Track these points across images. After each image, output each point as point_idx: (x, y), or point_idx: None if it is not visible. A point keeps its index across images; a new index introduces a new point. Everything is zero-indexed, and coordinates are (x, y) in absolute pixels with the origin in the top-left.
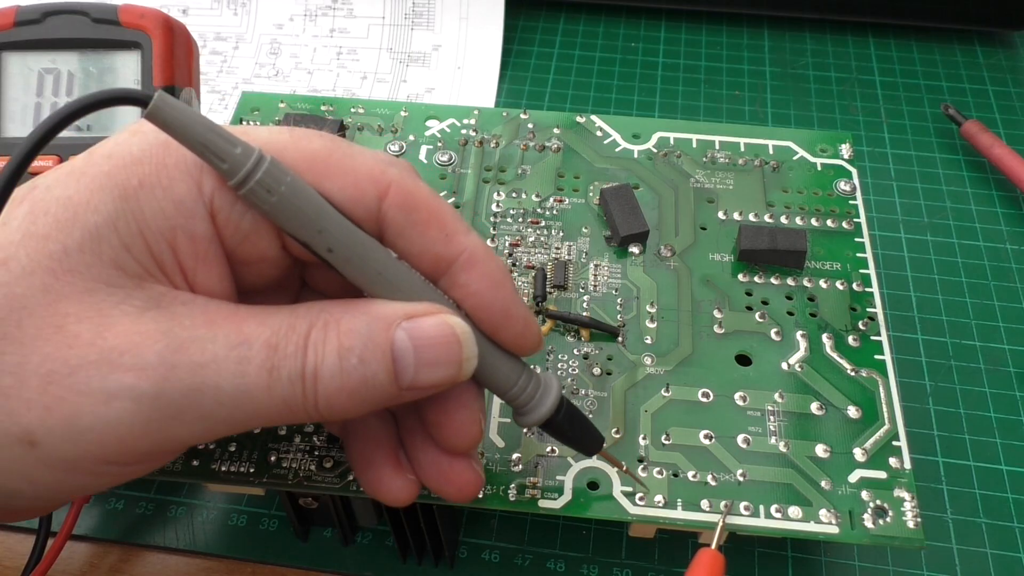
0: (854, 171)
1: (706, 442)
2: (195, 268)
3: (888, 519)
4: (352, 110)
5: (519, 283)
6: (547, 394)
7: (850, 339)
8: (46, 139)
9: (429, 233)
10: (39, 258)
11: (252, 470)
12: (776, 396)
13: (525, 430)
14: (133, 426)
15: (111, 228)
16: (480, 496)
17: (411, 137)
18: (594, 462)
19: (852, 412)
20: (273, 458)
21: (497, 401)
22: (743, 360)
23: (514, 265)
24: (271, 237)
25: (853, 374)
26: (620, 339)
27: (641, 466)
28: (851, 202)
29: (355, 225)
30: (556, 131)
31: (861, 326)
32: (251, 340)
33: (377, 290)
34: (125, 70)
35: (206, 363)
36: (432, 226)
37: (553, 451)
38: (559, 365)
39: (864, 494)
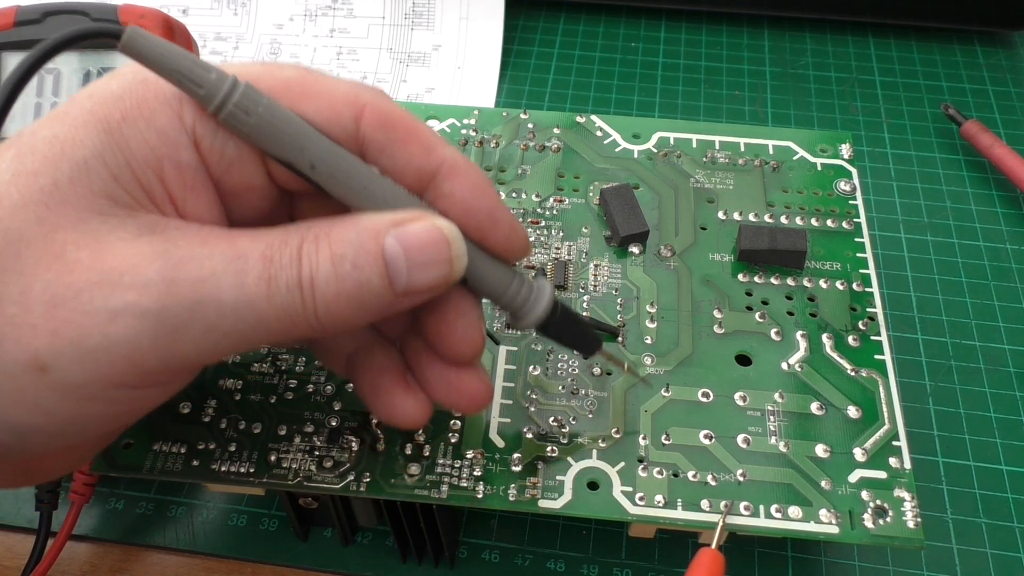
0: (854, 171)
1: (706, 442)
2: (184, 197)
3: (888, 519)
4: None
5: None
6: (541, 296)
7: (850, 339)
8: (30, 73)
9: (409, 148)
10: (30, 193)
11: (252, 470)
12: (776, 396)
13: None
14: (140, 343)
15: (99, 161)
16: (480, 496)
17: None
18: (594, 462)
19: (852, 412)
20: (273, 458)
21: (496, 403)
22: (743, 360)
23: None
24: (255, 164)
25: (853, 374)
26: (620, 339)
27: (641, 466)
28: (851, 202)
29: (335, 143)
30: (556, 131)
31: (861, 326)
32: (247, 254)
33: (364, 204)
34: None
35: (205, 277)
36: (411, 141)
37: (553, 451)
38: (559, 365)
39: (864, 494)
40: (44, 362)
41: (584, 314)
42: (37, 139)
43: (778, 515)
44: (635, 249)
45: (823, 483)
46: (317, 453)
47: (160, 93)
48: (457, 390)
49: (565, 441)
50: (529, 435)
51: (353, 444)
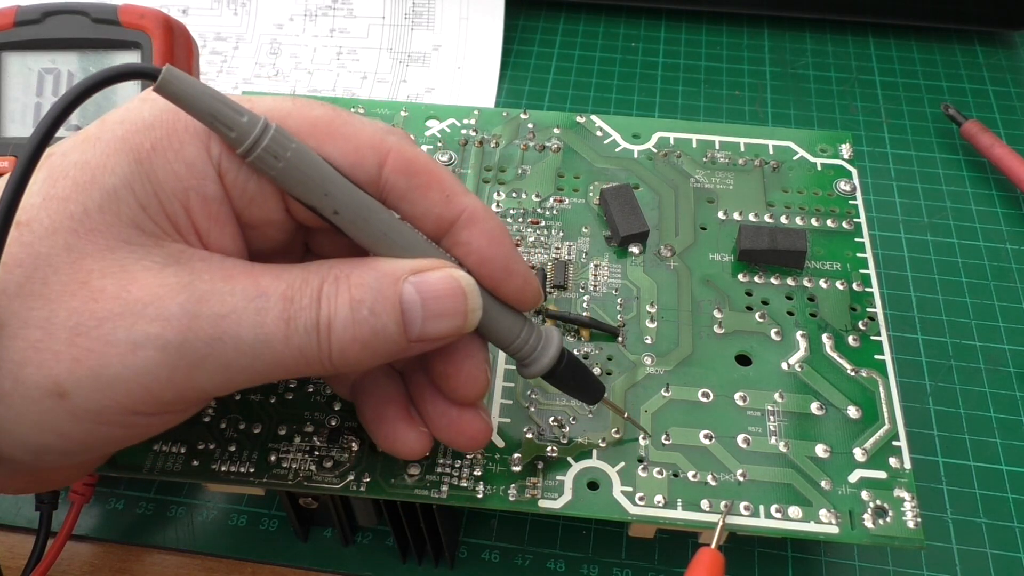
0: (854, 171)
1: (706, 442)
2: (208, 228)
3: (888, 519)
4: (352, 110)
5: None
6: (549, 345)
7: (850, 339)
8: (67, 112)
9: (430, 195)
10: (60, 219)
11: (252, 470)
12: (776, 396)
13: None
14: (159, 375)
15: (128, 190)
16: (480, 496)
17: (411, 137)
18: (594, 462)
19: (852, 412)
20: (273, 458)
21: (497, 403)
22: (743, 360)
23: None
24: (276, 200)
25: (853, 374)
26: (620, 339)
27: (641, 466)
28: (851, 202)
29: (359, 188)
30: (556, 131)
31: (861, 326)
32: (268, 292)
33: (383, 250)
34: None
35: (226, 314)
36: (432, 188)
37: (553, 451)
38: None
39: (864, 494)
40: (64, 389)
41: (584, 314)
42: (68, 163)
43: (778, 515)
44: (635, 249)
45: (823, 483)
46: (317, 453)
47: (189, 124)
48: (457, 429)
49: (565, 441)
50: (529, 435)
51: (353, 444)
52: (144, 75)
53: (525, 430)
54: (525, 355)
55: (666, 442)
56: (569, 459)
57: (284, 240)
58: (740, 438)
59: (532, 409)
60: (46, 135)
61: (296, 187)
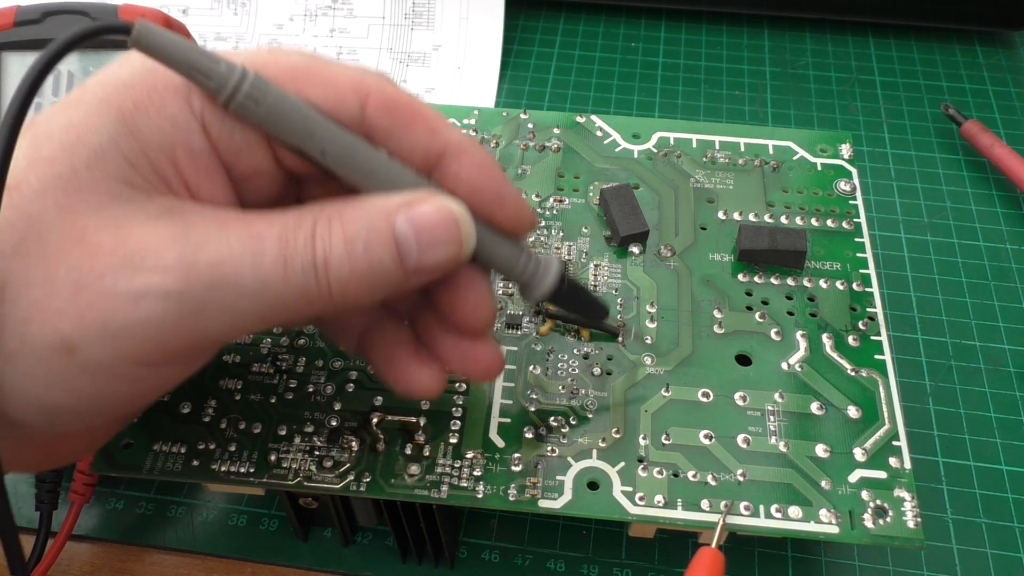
0: (854, 171)
1: (706, 442)
2: (197, 182)
3: (888, 519)
4: None
5: None
6: (549, 268)
7: (850, 339)
8: (46, 71)
9: (414, 131)
10: (49, 179)
11: (252, 470)
12: (776, 396)
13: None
14: (163, 323)
15: (114, 147)
16: (480, 496)
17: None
18: (594, 462)
19: (852, 412)
20: (273, 458)
21: (497, 403)
22: (743, 360)
23: None
24: (263, 149)
25: (853, 374)
26: (620, 339)
27: (641, 466)
28: (851, 202)
29: (343, 128)
30: (556, 131)
31: (861, 326)
32: (262, 236)
33: (373, 186)
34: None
35: (223, 259)
36: (416, 124)
37: (553, 451)
38: (559, 365)
39: (864, 494)
40: (72, 343)
41: None
42: (53, 126)
43: (778, 515)
44: (635, 249)
45: (823, 483)
46: (317, 453)
47: (169, 81)
48: (472, 360)
49: (565, 441)
50: (529, 435)
51: (353, 444)
52: (117, 30)
53: (525, 430)
54: (527, 280)
55: (666, 442)
56: (569, 459)
57: (276, 192)
58: (740, 438)
59: (532, 409)
60: (27, 97)
61: (280, 130)
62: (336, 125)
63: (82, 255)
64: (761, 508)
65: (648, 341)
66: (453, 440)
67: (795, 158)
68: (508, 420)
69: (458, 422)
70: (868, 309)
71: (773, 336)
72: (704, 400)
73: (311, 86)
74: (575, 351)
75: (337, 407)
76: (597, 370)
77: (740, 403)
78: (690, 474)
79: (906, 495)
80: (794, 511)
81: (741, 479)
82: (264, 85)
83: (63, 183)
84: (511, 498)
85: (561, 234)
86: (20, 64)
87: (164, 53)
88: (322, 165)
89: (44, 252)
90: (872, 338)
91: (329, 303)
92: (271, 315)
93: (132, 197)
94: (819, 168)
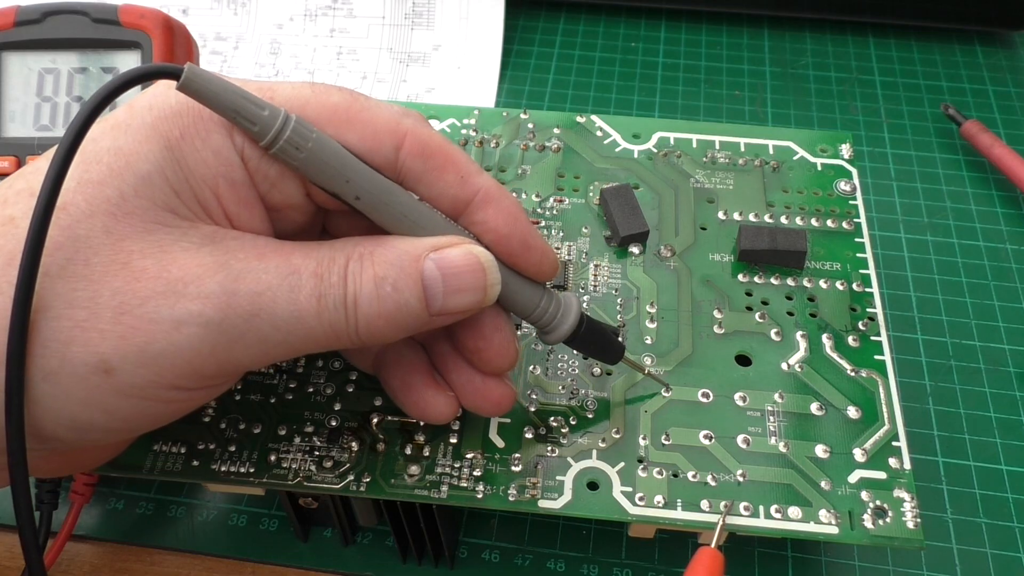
0: (854, 171)
1: (706, 442)
2: (238, 212)
3: (888, 519)
4: None
5: None
6: (568, 311)
7: (850, 339)
8: (102, 106)
9: (446, 177)
10: (97, 203)
11: (252, 470)
12: (776, 396)
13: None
14: (201, 350)
15: (161, 176)
16: (480, 496)
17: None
18: (594, 462)
19: (852, 412)
20: (273, 458)
21: None
22: (743, 360)
23: None
24: (296, 185)
25: (853, 374)
26: (620, 339)
27: (641, 466)
28: (851, 202)
29: (378, 172)
30: (556, 131)
31: (861, 326)
32: (300, 271)
33: (404, 230)
34: (125, 70)
35: (262, 291)
36: (448, 170)
37: (553, 451)
38: (559, 365)
39: (864, 494)
40: (111, 366)
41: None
42: (100, 149)
43: (778, 515)
44: (635, 249)
45: (823, 483)
46: (317, 453)
47: (214, 113)
48: (483, 396)
49: (565, 441)
50: (529, 435)
51: (353, 444)
52: (168, 74)
53: (525, 430)
54: (546, 323)
55: (666, 442)
56: (569, 459)
57: (304, 222)
58: (740, 438)
59: (532, 409)
60: (82, 128)
61: (318, 175)
62: (371, 171)
63: (127, 279)
64: (761, 508)
65: (648, 341)
66: (453, 440)
67: (795, 158)
68: (508, 420)
69: (458, 422)
70: (868, 309)
71: (773, 336)
72: (704, 400)
73: (350, 128)
74: (575, 352)
75: (337, 407)
76: (597, 370)
77: (740, 403)
78: (690, 474)
79: (906, 495)
80: (794, 511)
81: (741, 479)
82: (305, 131)
83: (111, 207)
84: (511, 498)
85: (561, 234)
86: (20, 64)
87: (210, 98)
88: (355, 208)
89: (89, 274)
90: (872, 338)
91: (355, 339)
92: (301, 347)
93: (176, 224)
94: (819, 168)
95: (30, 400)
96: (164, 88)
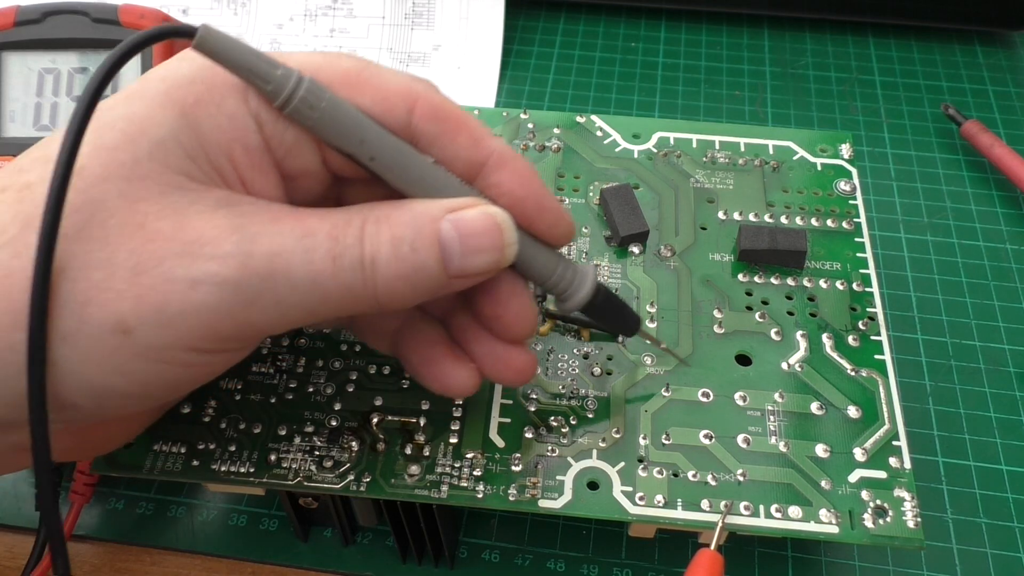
0: (854, 171)
1: (706, 442)
2: (251, 177)
3: (888, 519)
4: None
5: None
6: (584, 279)
7: (850, 339)
8: (116, 67)
9: (459, 140)
10: (111, 167)
11: (252, 470)
12: (776, 396)
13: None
14: (217, 310)
15: (175, 141)
16: (480, 496)
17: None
18: (594, 462)
19: (852, 412)
20: (273, 458)
21: (497, 403)
22: (743, 360)
23: None
24: (312, 150)
25: (853, 374)
26: (620, 339)
27: (641, 466)
28: (851, 202)
29: (392, 134)
30: (556, 131)
31: (861, 326)
32: (315, 232)
33: (419, 192)
34: (125, 70)
35: (277, 252)
36: (461, 133)
37: (553, 451)
38: (559, 365)
39: (864, 494)
40: (128, 326)
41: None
42: (114, 116)
43: (778, 515)
44: (635, 249)
45: (823, 483)
46: (317, 453)
47: (228, 78)
48: (506, 364)
49: (565, 441)
50: (529, 435)
51: (353, 444)
52: (182, 33)
53: (525, 430)
54: (563, 289)
55: (666, 442)
56: (569, 459)
57: (320, 192)
58: (740, 438)
59: (532, 409)
60: (98, 88)
61: (332, 135)
62: (386, 132)
63: (142, 240)
64: (761, 508)
65: (648, 341)
66: (453, 440)
67: (795, 158)
68: (508, 420)
69: (458, 422)
70: (868, 309)
71: (773, 336)
72: (704, 400)
73: (362, 91)
74: (575, 351)
75: (337, 407)
76: (597, 370)
77: (740, 403)
78: (690, 474)
79: (906, 495)
80: (794, 511)
81: (741, 479)
82: (319, 91)
83: (126, 171)
84: (511, 498)
85: None
86: (20, 64)
87: (225, 57)
88: (370, 169)
89: (105, 236)
90: (872, 338)
91: (373, 302)
92: (318, 309)
93: (191, 188)
94: (819, 168)
95: (49, 363)
96: (176, 61)
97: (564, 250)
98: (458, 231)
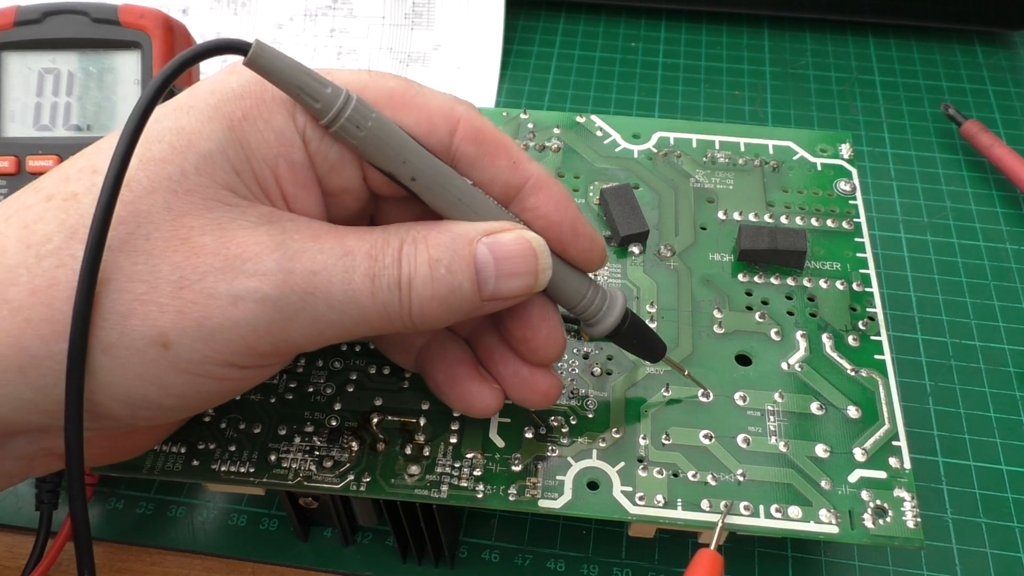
0: (854, 171)
1: (706, 442)
2: (295, 194)
3: (888, 519)
4: None
5: None
6: (614, 305)
7: (850, 339)
8: (169, 81)
9: (498, 163)
10: (159, 179)
11: (252, 470)
12: (776, 396)
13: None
14: (257, 327)
15: (222, 155)
16: (480, 496)
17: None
18: (594, 462)
19: (852, 412)
20: (273, 458)
21: None
22: (743, 360)
23: None
24: (354, 168)
25: (853, 374)
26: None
27: (641, 466)
28: (851, 202)
29: (434, 156)
30: (556, 131)
31: (861, 326)
32: (354, 251)
33: (457, 214)
34: (125, 70)
35: (318, 271)
36: (500, 156)
37: (553, 451)
38: (559, 365)
39: (864, 494)
40: (168, 339)
41: None
42: (163, 128)
43: (778, 515)
44: (635, 249)
45: (823, 483)
46: (317, 453)
47: (276, 94)
48: (532, 388)
49: (565, 441)
50: (529, 435)
51: (353, 444)
52: (236, 49)
53: (525, 430)
54: (591, 315)
55: (666, 442)
56: (569, 459)
57: (357, 209)
58: (740, 438)
59: (532, 409)
60: (149, 104)
61: (376, 155)
62: (428, 153)
63: (186, 254)
64: (761, 508)
65: None
66: (453, 440)
67: (795, 158)
68: (508, 420)
69: (458, 422)
70: (868, 309)
71: (773, 336)
72: (704, 400)
73: (407, 111)
74: (575, 351)
75: (337, 407)
76: (597, 370)
77: (740, 403)
78: (690, 474)
79: (906, 495)
80: (794, 511)
81: (741, 479)
82: (366, 110)
83: (173, 184)
84: (511, 498)
85: None
86: (20, 64)
87: (276, 73)
88: (410, 189)
89: (150, 249)
90: (872, 338)
91: (408, 321)
92: (354, 328)
93: (235, 203)
94: (819, 168)
95: (88, 372)
96: (225, 75)
97: None
98: (494, 254)
